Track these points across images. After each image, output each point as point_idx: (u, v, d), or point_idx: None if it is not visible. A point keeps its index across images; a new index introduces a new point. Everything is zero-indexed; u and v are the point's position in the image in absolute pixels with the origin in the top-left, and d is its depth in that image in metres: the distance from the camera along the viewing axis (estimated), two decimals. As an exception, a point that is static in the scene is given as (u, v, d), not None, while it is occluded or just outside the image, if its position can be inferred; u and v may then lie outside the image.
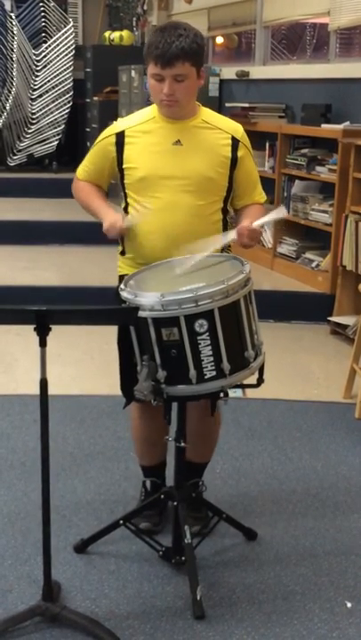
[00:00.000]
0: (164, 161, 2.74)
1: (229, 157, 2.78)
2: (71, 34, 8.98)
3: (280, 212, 2.87)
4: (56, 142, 9.05)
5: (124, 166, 2.78)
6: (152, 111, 2.81)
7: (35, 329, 2.36)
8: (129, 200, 2.81)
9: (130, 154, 2.77)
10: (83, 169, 2.95)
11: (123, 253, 2.89)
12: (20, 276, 6.09)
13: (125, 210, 2.83)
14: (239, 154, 2.80)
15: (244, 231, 2.70)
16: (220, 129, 2.80)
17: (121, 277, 2.82)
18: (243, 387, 2.73)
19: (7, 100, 8.67)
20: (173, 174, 2.73)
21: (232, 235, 2.74)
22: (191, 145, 2.75)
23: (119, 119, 2.89)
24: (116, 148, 2.79)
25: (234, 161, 2.79)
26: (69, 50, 8.95)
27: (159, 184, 2.73)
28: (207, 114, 2.83)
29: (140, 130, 2.78)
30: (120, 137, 2.79)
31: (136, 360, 2.58)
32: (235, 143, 2.79)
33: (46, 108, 8.97)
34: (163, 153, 2.75)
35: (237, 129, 2.84)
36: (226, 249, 2.87)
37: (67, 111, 9.01)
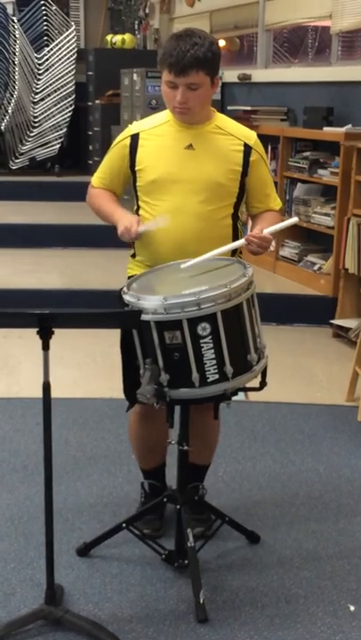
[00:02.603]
0: (175, 165, 2.75)
1: (241, 164, 2.78)
2: (73, 37, 8.99)
3: (291, 220, 2.86)
4: (58, 145, 9.05)
5: (136, 168, 2.80)
6: (166, 115, 2.82)
7: (37, 332, 2.36)
8: (140, 203, 2.82)
9: (142, 156, 2.78)
10: (97, 176, 2.95)
11: (133, 256, 2.90)
12: (23, 279, 6.09)
13: (137, 212, 2.84)
14: (251, 160, 2.80)
15: (254, 239, 2.70)
16: (232, 135, 2.80)
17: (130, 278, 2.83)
18: (245, 390, 2.72)
19: (9, 103, 8.67)
20: (184, 178, 2.73)
21: (241, 242, 2.74)
22: (203, 150, 2.76)
23: (134, 122, 2.91)
24: (130, 150, 2.80)
25: (245, 168, 2.79)
26: (71, 53, 8.96)
27: (170, 187, 2.74)
28: (221, 120, 2.84)
29: (154, 133, 2.80)
30: (134, 139, 2.80)
31: (139, 363, 2.58)
32: (247, 150, 2.79)
33: (48, 112, 8.98)
34: (175, 157, 2.75)
35: (250, 136, 2.84)
36: (237, 254, 2.87)
37: (69, 114, 9.02)
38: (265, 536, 3.01)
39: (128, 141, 2.81)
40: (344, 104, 5.84)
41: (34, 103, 8.93)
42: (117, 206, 2.87)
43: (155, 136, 2.79)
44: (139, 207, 2.83)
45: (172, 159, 2.75)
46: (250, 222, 2.95)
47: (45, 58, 8.90)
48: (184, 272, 2.67)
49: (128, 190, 2.93)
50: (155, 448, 2.99)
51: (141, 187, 2.79)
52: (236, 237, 2.84)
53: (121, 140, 2.85)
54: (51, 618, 2.46)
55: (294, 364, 4.93)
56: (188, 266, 2.65)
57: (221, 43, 7.90)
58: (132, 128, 2.85)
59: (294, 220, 2.88)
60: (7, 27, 8.55)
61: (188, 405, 2.68)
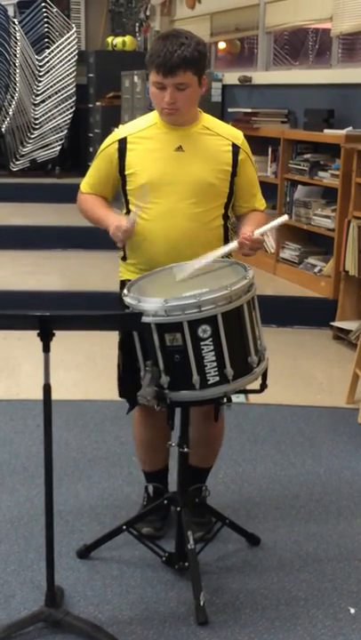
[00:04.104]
0: (165, 167, 2.74)
1: (230, 164, 2.79)
2: (74, 39, 9.00)
3: (281, 219, 2.86)
4: (59, 147, 9.06)
5: (126, 172, 2.79)
6: (154, 117, 2.81)
7: (38, 334, 2.36)
8: (130, 207, 2.82)
9: (132, 160, 2.77)
10: (86, 182, 2.95)
11: (124, 259, 2.90)
12: (22, 281, 6.10)
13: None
14: (240, 159, 2.80)
15: (246, 241, 2.70)
16: (220, 135, 2.80)
17: (122, 283, 2.82)
18: (246, 392, 2.72)
19: (10, 105, 8.68)
20: (175, 180, 2.73)
21: (233, 245, 2.74)
22: (193, 151, 2.76)
23: (120, 126, 2.90)
24: (118, 155, 2.79)
25: (234, 167, 2.80)
26: (72, 55, 8.97)
27: (161, 190, 2.73)
28: (208, 120, 2.84)
29: (142, 136, 2.79)
30: (122, 143, 2.79)
31: (139, 365, 2.58)
32: (235, 150, 2.80)
33: (49, 114, 8.99)
34: (164, 159, 2.75)
35: (238, 135, 2.85)
36: (227, 255, 2.87)
37: (69, 116, 9.03)
38: (265, 538, 3.01)
39: (116, 146, 2.80)
40: (345, 106, 5.84)
41: (34, 105, 8.93)
42: (108, 209, 2.87)
43: (143, 139, 2.78)
44: (128, 211, 2.82)
45: (163, 161, 2.74)
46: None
47: (46, 60, 8.91)
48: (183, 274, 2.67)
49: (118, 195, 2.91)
50: (160, 448, 2.99)
51: (132, 190, 2.78)
52: (226, 237, 2.84)
53: (108, 145, 2.83)
54: (51, 620, 2.46)
55: (295, 366, 4.93)
56: (183, 276, 2.63)
57: (222, 45, 7.92)
58: (118, 132, 2.84)
59: (284, 218, 2.87)
60: (8, 29, 8.56)
61: (189, 407, 2.68)
